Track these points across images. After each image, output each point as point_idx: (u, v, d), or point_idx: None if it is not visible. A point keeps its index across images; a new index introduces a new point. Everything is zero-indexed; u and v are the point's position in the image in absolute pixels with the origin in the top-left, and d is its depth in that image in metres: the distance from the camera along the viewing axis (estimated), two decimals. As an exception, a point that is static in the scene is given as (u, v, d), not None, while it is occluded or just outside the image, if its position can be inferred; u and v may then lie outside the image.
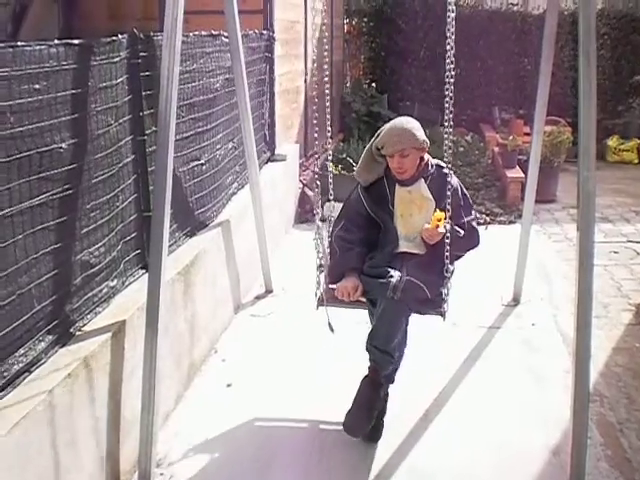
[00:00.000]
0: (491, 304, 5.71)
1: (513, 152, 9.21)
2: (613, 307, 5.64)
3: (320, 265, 3.95)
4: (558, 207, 8.80)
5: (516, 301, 5.74)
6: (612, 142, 11.54)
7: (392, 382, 3.97)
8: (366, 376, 3.70)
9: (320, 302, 3.89)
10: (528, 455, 3.75)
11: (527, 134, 10.24)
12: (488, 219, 8.16)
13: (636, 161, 11.50)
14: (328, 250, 4.00)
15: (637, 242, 7.35)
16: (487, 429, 4.00)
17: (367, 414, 3.63)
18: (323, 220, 4.05)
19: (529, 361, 4.77)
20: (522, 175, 8.44)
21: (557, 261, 6.79)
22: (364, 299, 3.81)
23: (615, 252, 6.99)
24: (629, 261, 6.78)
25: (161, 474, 3.61)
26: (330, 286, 3.93)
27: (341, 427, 3.67)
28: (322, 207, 4.30)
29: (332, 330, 3.86)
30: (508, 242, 6.63)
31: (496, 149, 10.04)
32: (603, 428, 3.99)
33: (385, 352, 3.62)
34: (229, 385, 4.49)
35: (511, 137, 9.59)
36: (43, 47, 2.95)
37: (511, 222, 8.08)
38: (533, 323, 5.37)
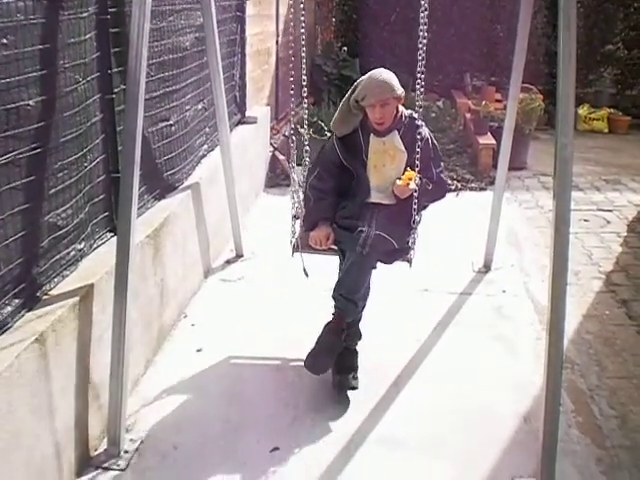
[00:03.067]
0: (462, 270, 5.71)
1: (485, 118, 9.17)
2: (583, 275, 5.66)
3: (295, 216, 4.14)
4: (529, 174, 8.81)
5: (487, 268, 5.74)
6: (582, 111, 11.53)
7: (360, 338, 4.09)
8: (329, 322, 3.86)
9: (295, 249, 4.07)
10: (499, 422, 3.77)
11: (498, 101, 10.22)
12: (459, 185, 8.13)
13: (606, 130, 11.53)
14: (303, 198, 4.12)
15: (607, 210, 7.38)
16: (458, 396, 4.00)
17: (329, 357, 3.80)
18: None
19: (500, 328, 4.78)
20: (494, 142, 8.44)
21: (528, 228, 6.80)
22: (335, 247, 4.00)
23: (585, 220, 7.01)
24: (599, 229, 6.81)
25: (131, 439, 3.57)
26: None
27: (312, 394, 3.73)
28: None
29: (307, 275, 4.04)
30: (479, 209, 6.65)
31: (468, 115, 9.98)
32: (574, 395, 4.01)
33: (350, 300, 3.81)
34: (199, 350, 4.46)
35: (483, 103, 9.55)
36: (11, 0, 2.83)
37: (482, 189, 8.05)
38: (504, 290, 5.38)
